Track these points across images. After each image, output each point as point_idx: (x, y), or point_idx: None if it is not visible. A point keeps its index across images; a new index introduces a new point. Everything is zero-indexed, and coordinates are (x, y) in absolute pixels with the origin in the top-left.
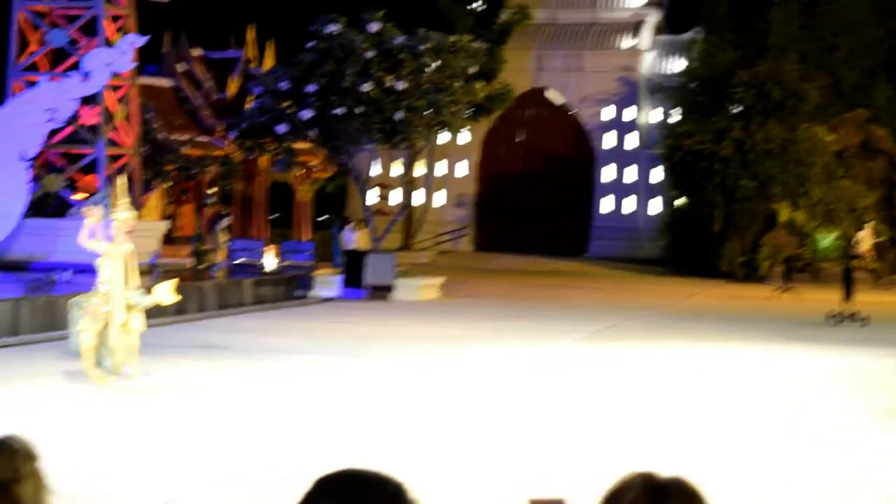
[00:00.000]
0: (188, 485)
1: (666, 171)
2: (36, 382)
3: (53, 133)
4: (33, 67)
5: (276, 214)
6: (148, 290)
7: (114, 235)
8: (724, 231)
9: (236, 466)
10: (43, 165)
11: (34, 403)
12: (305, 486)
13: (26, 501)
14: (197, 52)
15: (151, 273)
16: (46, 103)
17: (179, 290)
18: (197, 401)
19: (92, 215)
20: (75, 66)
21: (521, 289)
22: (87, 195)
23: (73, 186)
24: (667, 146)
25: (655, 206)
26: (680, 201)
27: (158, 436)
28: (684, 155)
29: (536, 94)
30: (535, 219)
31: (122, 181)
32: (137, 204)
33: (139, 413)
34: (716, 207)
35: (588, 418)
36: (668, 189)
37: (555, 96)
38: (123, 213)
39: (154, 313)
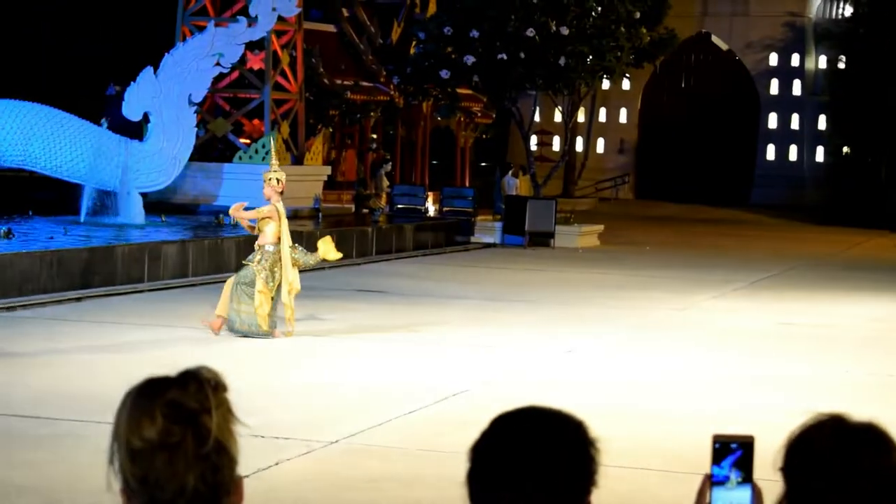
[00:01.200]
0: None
1: (831, 118)
2: (192, 323)
3: (220, 78)
4: (201, 12)
5: (437, 161)
6: (312, 248)
7: (270, 195)
8: (891, 179)
9: (415, 400)
10: (209, 110)
11: (199, 343)
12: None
13: (215, 431)
14: None
15: (315, 218)
16: (214, 48)
17: (340, 236)
18: (360, 343)
19: (271, 178)
20: (242, 12)
21: (682, 236)
22: (251, 140)
23: (239, 131)
24: (833, 93)
25: (820, 153)
26: (845, 149)
27: (328, 375)
28: (850, 102)
29: (701, 40)
30: (696, 166)
31: (277, 137)
32: (301, 149)
33: (307, 353)
34: (882, 155)
35: (752, 366)
36: (833, 137)
37: (719, 42)
38: (279, 172)
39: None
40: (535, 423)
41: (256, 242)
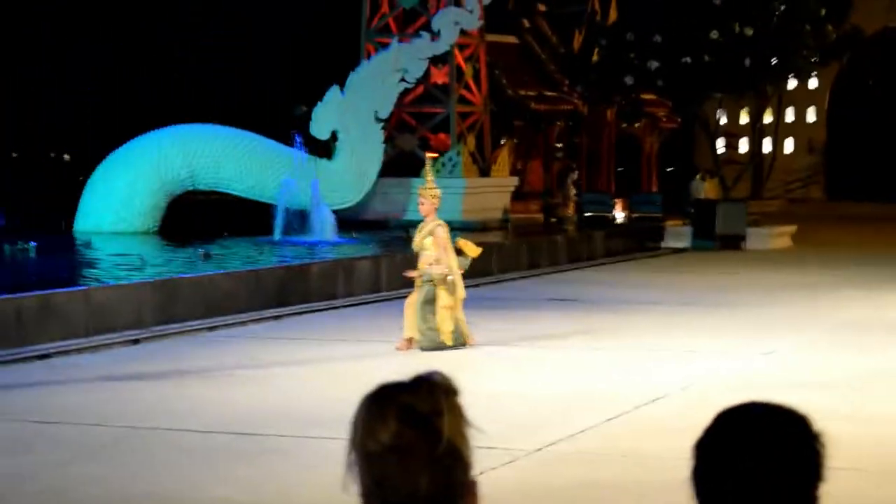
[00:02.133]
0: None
1: None
2: (388, 337)
3: (405, 93)
4: (385, 29)
5: (623, 167)
6: (459, 251)
7: (428, 211)
8: None
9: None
10: (396, 125)
11: (394, 357)
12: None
13: (447, 434)
14: (541, 7)
15: (503, 228)
16: (398, 64)
17: (530, 246)
18: (555, 352)
19: (427, 196)
20: (425, 27)
21: (877, 236)
22: (437, 154)
23: (425, 145)
24: None
25: None
26: None
27: (525, 383)
28: None
29: (888, 35)
30: (889, 163)
31: (429, 158)
32: (488, 161)
33: (502, 362)
34: None
35: None
36: None
37: None
38: (436, 188)
39: (507, 268)
40: (760, 418)
41: (423, 261)
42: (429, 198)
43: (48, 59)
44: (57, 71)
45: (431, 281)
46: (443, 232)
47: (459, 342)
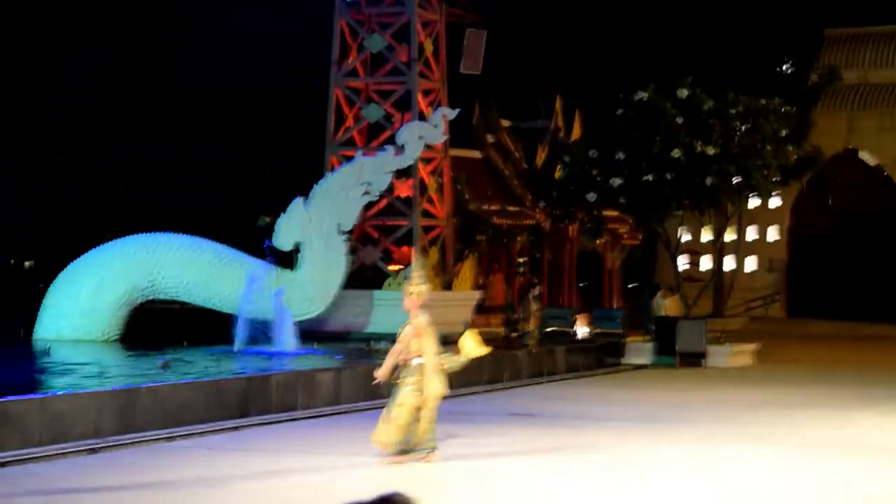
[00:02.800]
0: None
1: None
2: (348, 450)
3: (369, 206)
4: (349, 142)
5: (585, 283)
6: (454, 349)
7: (410, 308)
8: None
9: None
10: (359, 238)
11: (356, 468)
12: None
13: None
14: (505, 122)
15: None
16: (362, 177)
17: (492, 360)
18: (508, 469)
19: (412, 292)
20: (389, 140)
21: (837, 354)
22: (399, 267)
23: (388, 258)
24: None
25: None
26: None
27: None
28: None
29: (848, 156)
30: (850, 283)
31: (416, 254)
32: (450, 274)
33: (464, 480)
34: None
35: None
36: None
37: (867, 157)
38: (419, 286)
39: (468, 381)
40: None
41: (401, 358)
42: (413, 294)
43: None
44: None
45: (404, 379)
46: (409, 330)
47: (409, 447)
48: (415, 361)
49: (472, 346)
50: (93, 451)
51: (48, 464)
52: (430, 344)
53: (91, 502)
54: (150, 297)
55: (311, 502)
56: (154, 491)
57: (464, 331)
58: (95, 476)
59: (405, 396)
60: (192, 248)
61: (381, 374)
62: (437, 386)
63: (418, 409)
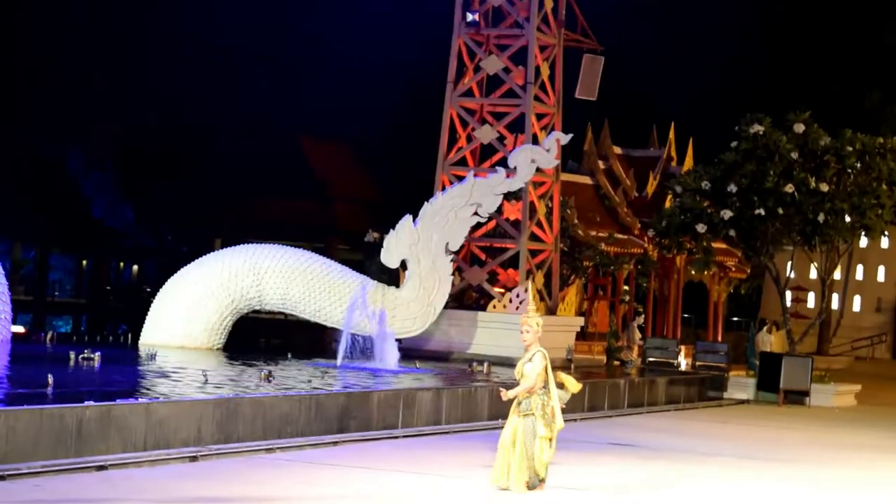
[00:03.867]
0: None
1: None
2: (447, 472)
3: (477, 227)
4: (461, 162)
5: (690, 314)
6: (560, 385)
7: (530, 341)
8: None
9: None
10: (465, 258)
11: (453, 491)
12: None
13: None
14: (617, 149)
15: (567, 369)
16: (472, 198)
17: (592, 388)
18: (609, 500)
19: (532, 325)
20: (501, 162)
21: None
22: (504, 290)
23: (493, 280)
24: None
25: None
26: None
27: None
28: None
29: None
30: None
31: (532, 286)
32: (555, 299)
33: None
34: None
35: None
36: None
37: None
38: (535, 317)
39: (566, 409)
40: None
41: (521, 388)
42: (532, 326)
43: None
44: None
45: (531, 413)
46: (541, 359)
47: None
48: (540, 392)
49: (573, 383)
50: (193, 458)
51: (149, 469)
52: (550, 378)
53: None
54: (256, 308)
55: None
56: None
57: (568, 355)
58: (194, 485)
59: (541, 427)
60: (299, 260)
61: (509, 394)
62: (560, 417)
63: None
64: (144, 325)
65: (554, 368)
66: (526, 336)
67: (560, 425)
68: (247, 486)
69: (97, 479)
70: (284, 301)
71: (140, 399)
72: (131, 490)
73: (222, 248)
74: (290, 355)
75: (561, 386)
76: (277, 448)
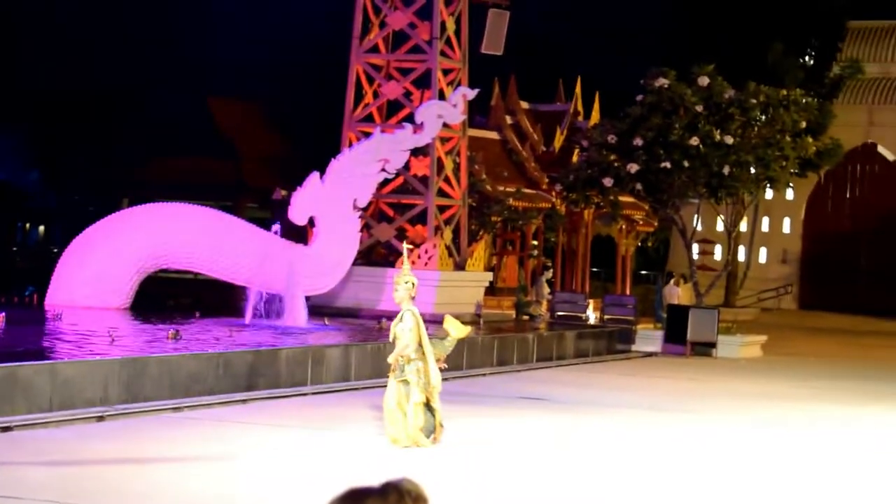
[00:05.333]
0: None
1: None
2: (355, 428)
3: (385, 183)
4: (368, 119)
5: (598, 269)
6: (441, 334)
7: (402, 300)
8: None
9: None
10: (373, 215)
11: (352, 448)
12: None
13: None
14: (524, 104)
15: (476, 324)
16: (379, 154)
17: (501, 343)
18: (517, 453)
19: (404, 283)
20: (408, 118)
21: (847, 348)
22: (414, 246)
23: (402, 236)
24: None
25: None
26: None
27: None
28: None
29: (867, 150)
30: (862, 277)
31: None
32: (464, 255)
33: (473, 465)
34: None
35: None
36: None
37: (886, 152)
38: (411, 276)
39: (476, 363)
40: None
41: (396, 350)
42: (402, 285)
43: None
44: None
45: (406, 379)
46: (409, 318)
47: (428, 435)
48: (413, 356)
49: (458, 328)
50: (100, 418)
51: (55, 430)
52: (426, 335)
53: (96, 471)
54: (163, 267)
55: (317, 481)
56: (159, 462)
57: (477, 310)
58: (101, 444)
59: (415, 393)
60: (206, 219)
61: (388, 360)
62: (437, 375)
63: (428, 402)
64: (50, 286)
65: (465, 323)
66: (395, 295)
67: (436, 385)
68: (153, 444)
69: (3, 440)
70: (191, 260)
71: (45, 360)
72: (37, 451)
73: (129, 207)
74: (198, 314)
75: (445, 336)
76: (185, 406)
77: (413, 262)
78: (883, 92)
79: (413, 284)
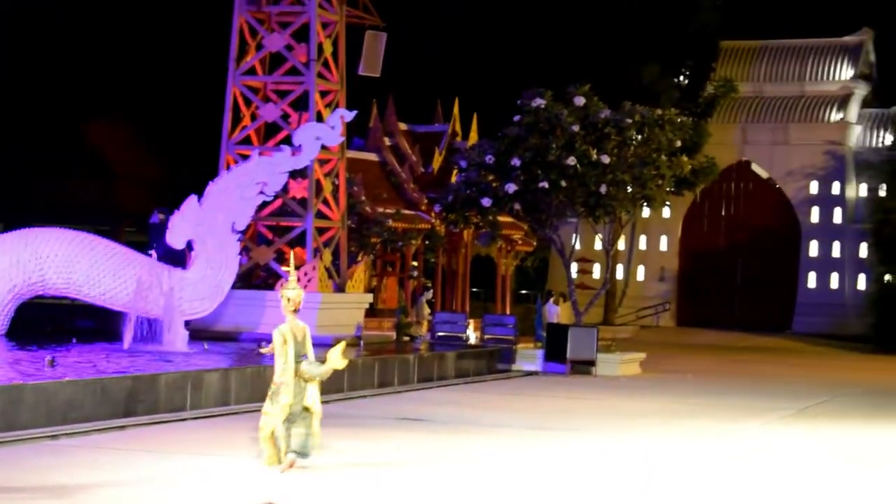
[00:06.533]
0: None
1: (873, 246)
2: (236, 453)
3: (263, 206)
4: (246, 141)
5: (478, 288)
6: (321, 360)
7: (284, 313)
8: None
9: None
10: (252, 237)
11: (230, 474)
12: None
13: None
14: (402, 125)
15: (356, 345)
16: (258, 176)
17: (381, 364)
18: (396, 475)
19: (289, 297)
20: (286, 141)
21: (724, 364)
22: (292, 267)
23: (281, 258)
24: (875, 221)
25: (862, 281)
26: (887, 277)
27: None
28: (893, 230)
29: (741, 168)
30: (737, 294)
31: (292, 256)
32: (343, 277)
33: (350, 488)
34: None
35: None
36: (876, 265)
37: (760, 170)
38: (292, 290)
39: (358, 384)
40: None
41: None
42: (283, 298)
43: None
44: None
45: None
46: (275, 334)
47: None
48: (279, 368)
49: (336, 358)
50: None
51: None
52: (284, 354)
53: None
54: (39, 293)
55: None
56: (37, 492)
57: (357, 332)
58: None
59: (266, 404)
60: (82, 244)
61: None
62: (286, 395)
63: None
64: None
65: (348, 345)
66: (282, 306)
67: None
68: (32, 472)
69: None
70: (69, 285)
71: None
72: None
73: (3, 233)
74: (74, 340)
75: (324, 361)
76: (62, 434)
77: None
78: (756, 110)
79: (288, 299)
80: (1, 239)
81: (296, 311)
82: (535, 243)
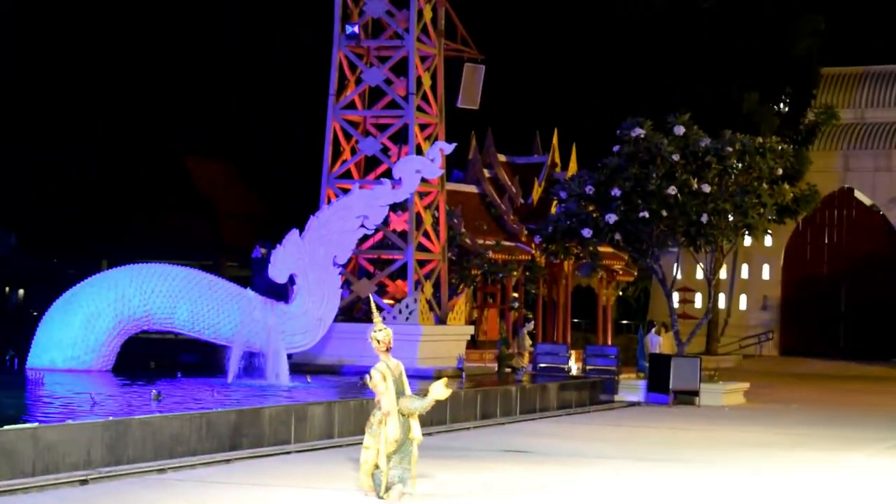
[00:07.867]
0: None
1: None
2: (342, 486)
3: (364, 239)
4: (346, 175)
5: (579, 319)
6: (423, 393)
7: (378, 354)
8: None
9: None
10: (353, 271)
11: None
12: None
13: None
14: (502, 157)
15: (458, 377)
16: (358, 210)
17: (484, 396)
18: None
19: (378, 338)
20: (386, 174)
21: (829, 394)
22: (394, 301)
23: (382, 291)
24: None
25: None
26: None
27: None
28: None
29: (843, 195)
30: (842, 322)
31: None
32: (444, 309)
33: None
34: None
35: None
36: None
37: (863, 197)
38: (380, 331)
39: (459, 417)
40: None
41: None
42: (372, 340)
43: None
44: None
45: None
46: (373, 374)
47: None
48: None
49: (439, 389)
50: (83, 482)
51: (38, 494)
52: (383, 391)
53: None
54: (144, 328)
55: None
56: None
57: (459, 364)
58: None
59: (367, 438)
60: (186, 279)
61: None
62: (392, 429)
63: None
64: (31, 349)
65: (450, 378)
66: (375, 347)
67: (416, 438)
68: None
69: None
70: (172, 320)
71: (27, 424)
72: None
73: (109, 269)
74: (179, 374)
75: (425, 394)
76: (169, 468)
77: (394, 318)
78: (857, 137)
79: (378, 341)
80: (106, 275)
81: (388, 350)
82: (636, 273)
